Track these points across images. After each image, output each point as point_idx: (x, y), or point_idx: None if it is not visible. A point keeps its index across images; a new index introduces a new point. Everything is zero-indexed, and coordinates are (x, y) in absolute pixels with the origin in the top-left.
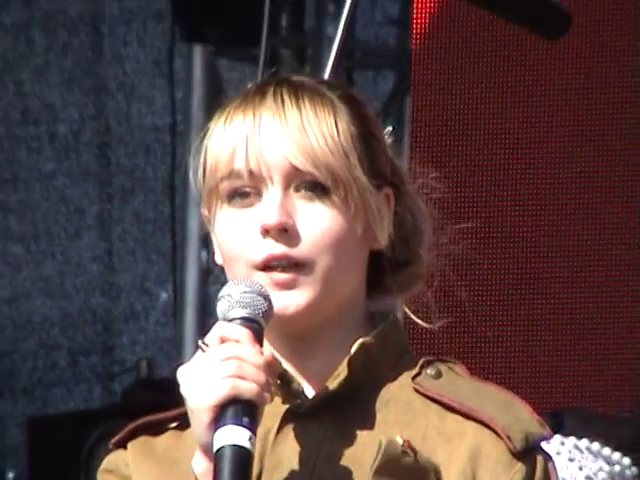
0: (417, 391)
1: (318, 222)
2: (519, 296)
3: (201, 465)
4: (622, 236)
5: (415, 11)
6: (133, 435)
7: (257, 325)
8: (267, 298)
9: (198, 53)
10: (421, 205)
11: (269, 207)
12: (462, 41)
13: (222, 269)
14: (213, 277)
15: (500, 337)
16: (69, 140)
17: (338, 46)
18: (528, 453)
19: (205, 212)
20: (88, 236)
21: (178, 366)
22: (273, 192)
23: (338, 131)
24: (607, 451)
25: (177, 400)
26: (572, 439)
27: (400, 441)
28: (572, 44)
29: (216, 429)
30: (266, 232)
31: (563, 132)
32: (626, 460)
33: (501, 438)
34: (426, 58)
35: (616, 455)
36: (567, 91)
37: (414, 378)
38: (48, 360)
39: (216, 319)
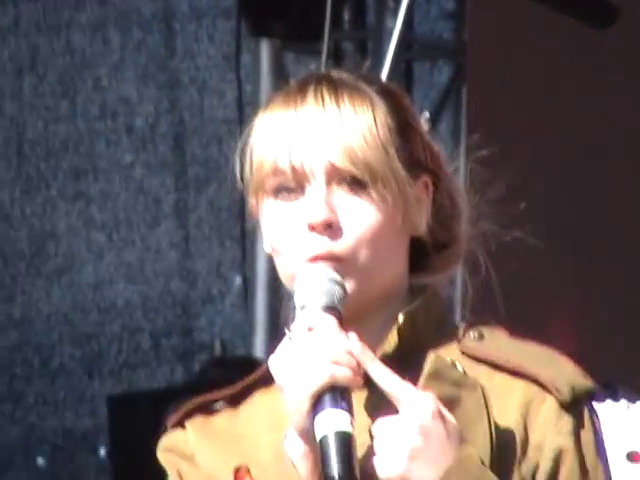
0: (464, 353)
1: (359, 217)
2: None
3: (299, 448)
4: None
5: (470, 5)
6: (188, 415)
7: (337, 312)
8: (342, 285)
9: (265, 47)
10: (459, 187)
11: (313, 204)
12: (515, 33)
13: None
14: None
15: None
16: (145, 133)
17: (397, 39)
18: (575, 405)
19: (253, 202)
20: (165, 224)
21: (249, 346)
22: (316, 188)
23: (376, 126)
24: None
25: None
26: (624, 402)
27: (449, 359)
28: (621, 36)
29: (316, 415)
30: (312, 229)
31: (617, 121)
32: None
33: (549, 391)
34: (481, 49)
35: None
36: (616, 82)
37: (459, 341)
38: (132, 342)
39: (286, 302)
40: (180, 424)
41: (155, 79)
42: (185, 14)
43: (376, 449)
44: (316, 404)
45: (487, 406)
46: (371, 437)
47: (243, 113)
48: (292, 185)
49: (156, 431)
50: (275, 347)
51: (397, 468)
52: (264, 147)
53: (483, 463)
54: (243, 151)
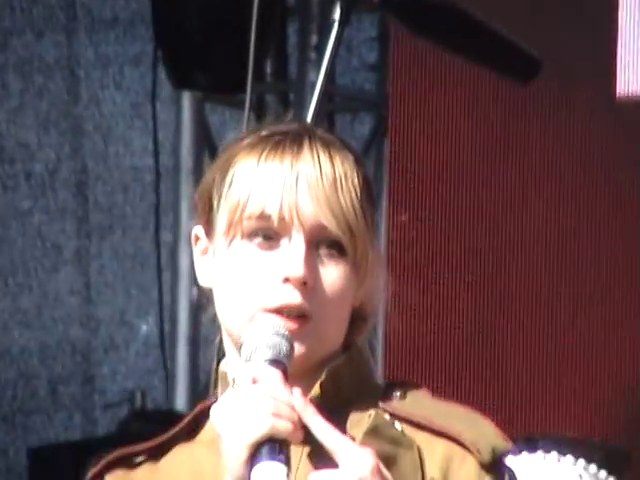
0: (386, 411)
1: (333, 281)
2: (490, 329)
3: None
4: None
5: (393, 57)
6: (109, 468)
7: (283, 366)
8: (289, 340)
9: (186, 98)
10: (383, 262)
11: (295, 258)
12: (438, 85)
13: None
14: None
15: (471, 366)
16: (45, 178)
17: (319, 91)
18: (495, 466)
19: (199, 234)
20: (65, 270)
21: (169, 397)
22: (299, 243)
23: (361, 194)
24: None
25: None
26: (570, 458)
27: (387, 417)
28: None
29: (253, 465)
30: (287, 281)
31: (540, 172)
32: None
33: (470, 452)
34: (402, 101)
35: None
36: (544, 131)
37: (382, 400)
38: (27, 389)
39: (207, 352)
40: (100, 477)
41: (57, 125)
42: (90, 61)
43: None
44: (254, 455)
45: (422, 466)
46: None
47: (157, 162)
48: (271, 234)
49: None
50: (195, 400)
51: None
52: (252, 187)
53: None
54: (219, 183)
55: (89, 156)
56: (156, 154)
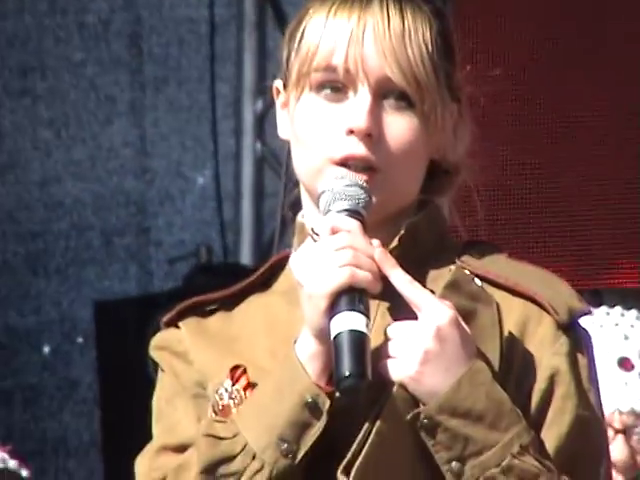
0: (463, 269)
1: (400, 133)
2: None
3: (309, 347)
4: None
5: None
6: (182, 315)
7: (361, 216)
8: (367, 190)
9: None
10: (469, 120)
11: (359, 110)
12: None
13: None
14: (267, 167)
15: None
16: (98, 30)
17: None
18: (571, 326)
19: (280, 88)
20: (119, 123)
21: (235, 250)
22: (364, 95)
23: (433, 47)
24: None
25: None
26: (618, 309)
27: (467, 272)
28: None
29: (333, 315)
30: (351, 132)
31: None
32: None
33: (546, 311)
34: None
35: None
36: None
37: (459, 257)
38: (81, 240)
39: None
40: (174, 323)
41: None
42: None
43: (390, 350)
44: (333, 304)
45: (500, 323)
46: (386, 339)
47: (214, 13)
48: (339, 85)
49: (141, 336)
50: (260, 253)
51: (408, 370)
52: (320, 40)
53: (493, 377)
54: (291, 37)
55: (143, 6)
56: (211, 5)
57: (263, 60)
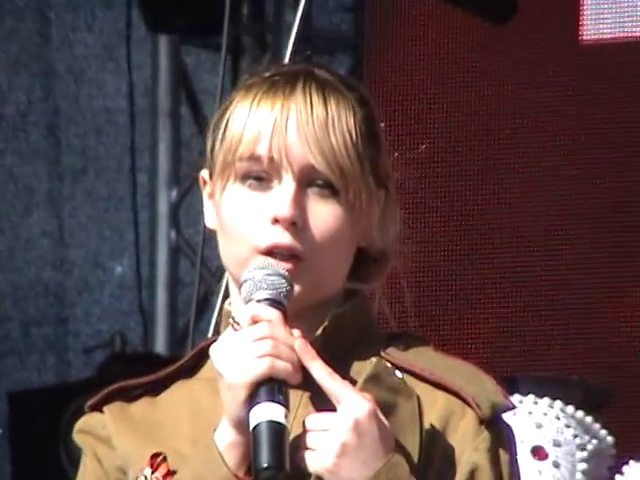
0: (388, 361)
1: (324, 221)
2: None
3: (228, 437)
4: None
5: None
6: (108, 400)
7: (282, 306)
8: (288, 279)
9: (163, 41)
10: (398, 206)
11: (283, 199)
12: (415, 27)
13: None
14: (182, 256)
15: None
16: (17, 120)
17: (296, 33)
18: (493, 422)
19: (205, 178)
20: (38, 213)
21: (148, 340)
22: (288, 184)
23: (357, 135)
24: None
25: (149, 373)
26: (531, 397)
27: (389, 365)
28: (520, 28)
29: (252, 406)
30: (276, 221)
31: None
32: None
33: (470, 406)
34: (379, 42)
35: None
36: (516, 70)
37: (384, 349)
38: (0, 331)
39: (185, 296)
40: (98, 408)
41: (28, 67)
42: (60, 3)
43: (308, 442)
44: (253, 395)
45: (420, 417)
46: (304, 430)
47: (132, 103)
48: (263, 175)
49: (55, 426)
50: (174, 342)
51: (325, 462)
52: (244, 130)
53: (411, 472)
54: (216, 127)
55: (61, 98)
56: (131, 95)
57: (178, 149)
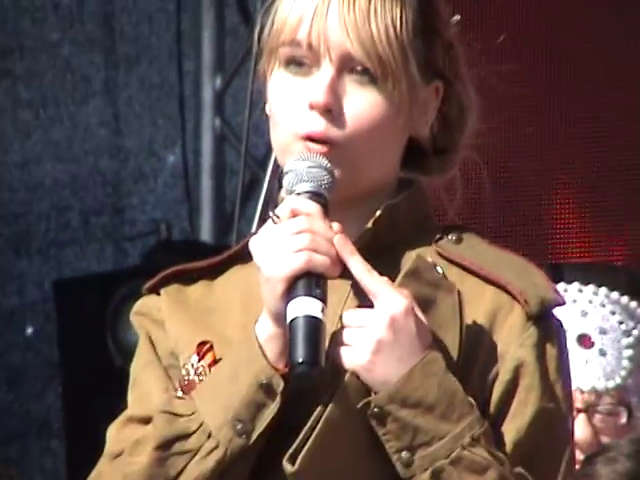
0: (439, 254)
1: (362, 108)
2: None
3: (267, 330)
4: None
5: None
6: (165, 282)
7: (323, 199)
8: (331, 172)
9: None
10: (472, 96)
11: (318, 85)
12: None
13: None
14: (227, 144)
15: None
16: (73, 10)
17: None
18: (542, 318)
19: (265, 67)
20: (94, 102)
21: (194, 228)
22: (325, 70)
23: (401, 23)
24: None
25: (193, 261)
26: (576, 284)
27: (430, 260)
28: None
29: (289, 299)
30: (312, 108)
31: None
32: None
33: (517, 301)
34: None
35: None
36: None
37: (437, 241)
38: (60, 221)
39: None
40: (155, 290)
41: None
42: None
43: (344, 338)
44: (291, 288)
45: (461, 311)
46: (341, 326)
47: None
48: (304, 60)
49: (102, 312)
50: (220, 230)
51: (361, 359)
52: (287, 15)
53: (448, 368)
54: (267, 13)
55: None
56: None
57: (222, 36)
